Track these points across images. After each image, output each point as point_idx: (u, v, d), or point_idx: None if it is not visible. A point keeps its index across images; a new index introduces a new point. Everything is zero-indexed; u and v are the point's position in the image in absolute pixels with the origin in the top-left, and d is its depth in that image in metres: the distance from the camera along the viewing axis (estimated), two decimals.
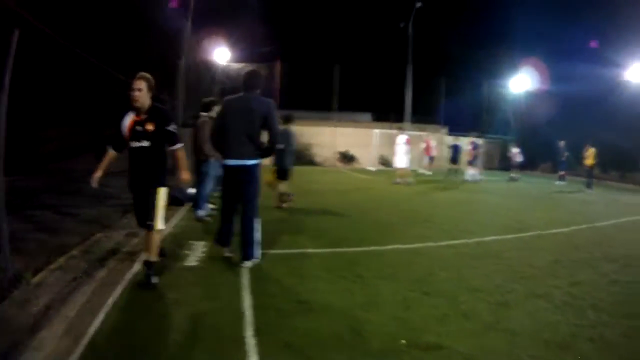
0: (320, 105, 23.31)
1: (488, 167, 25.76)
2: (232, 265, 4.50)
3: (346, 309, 3.51)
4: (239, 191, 4.56)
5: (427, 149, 19.11)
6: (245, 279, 4.11)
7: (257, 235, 4.59)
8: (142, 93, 3.78)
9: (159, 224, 3.91)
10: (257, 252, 4.58)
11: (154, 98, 3.97)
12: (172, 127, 3.93)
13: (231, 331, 3.04)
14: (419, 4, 21.56)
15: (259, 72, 4.85)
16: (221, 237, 4.72)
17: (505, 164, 24.17)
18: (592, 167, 15.41)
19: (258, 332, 3.01)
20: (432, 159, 19.24)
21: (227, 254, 4.71)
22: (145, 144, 3.83)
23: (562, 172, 17.31)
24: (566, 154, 17.16)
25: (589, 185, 15.17)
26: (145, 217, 3.88)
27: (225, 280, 4.09)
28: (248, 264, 4.45)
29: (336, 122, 22.91)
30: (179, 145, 4.02)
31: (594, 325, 3.45)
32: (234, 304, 3.49)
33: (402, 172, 13.88)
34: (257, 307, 3.42)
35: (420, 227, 7.07)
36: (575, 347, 3.10)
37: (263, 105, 4.45)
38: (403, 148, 13.56)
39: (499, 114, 26.40)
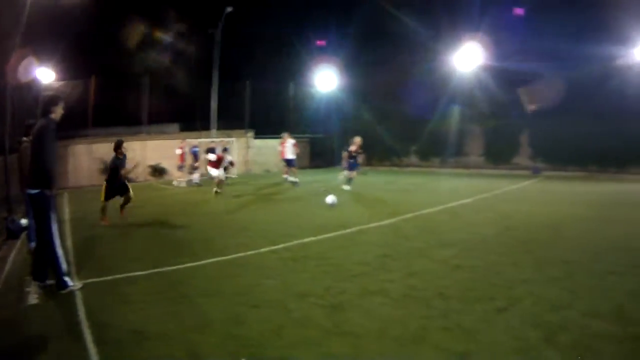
0: (132, 120, 23.17)
1: (300, 166, 26.83)
2: (69, 298, 4.34)
3: (180, 332, 3.46)
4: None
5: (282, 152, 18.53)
6: (82, 312, 3.97)
7: (61, 264, 4.56)
8: None
9: None
10: (67, 280, 4.58)
11: None
12: None
13: None
14: (229, 9, 22.17)
15: (54, 97, 4.89)
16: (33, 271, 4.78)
17: (317, 162, 25.92)
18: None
19: None
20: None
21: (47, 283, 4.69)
22: None
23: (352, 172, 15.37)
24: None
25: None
26: None
27: (65, 317, 3.94)
28: (63, 291, 4.50)
29: (146, 136, 22.93)
30: None
31: (446, 314, 3.56)
32: (76, 341, 3.36)
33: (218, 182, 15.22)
34: (98, 342, 3.30)
35: (239, 236, 6.88)
36: (431, 339, 3.14)
37: (37, 130, 4.54)
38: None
39: (305, 113, 27.85)
